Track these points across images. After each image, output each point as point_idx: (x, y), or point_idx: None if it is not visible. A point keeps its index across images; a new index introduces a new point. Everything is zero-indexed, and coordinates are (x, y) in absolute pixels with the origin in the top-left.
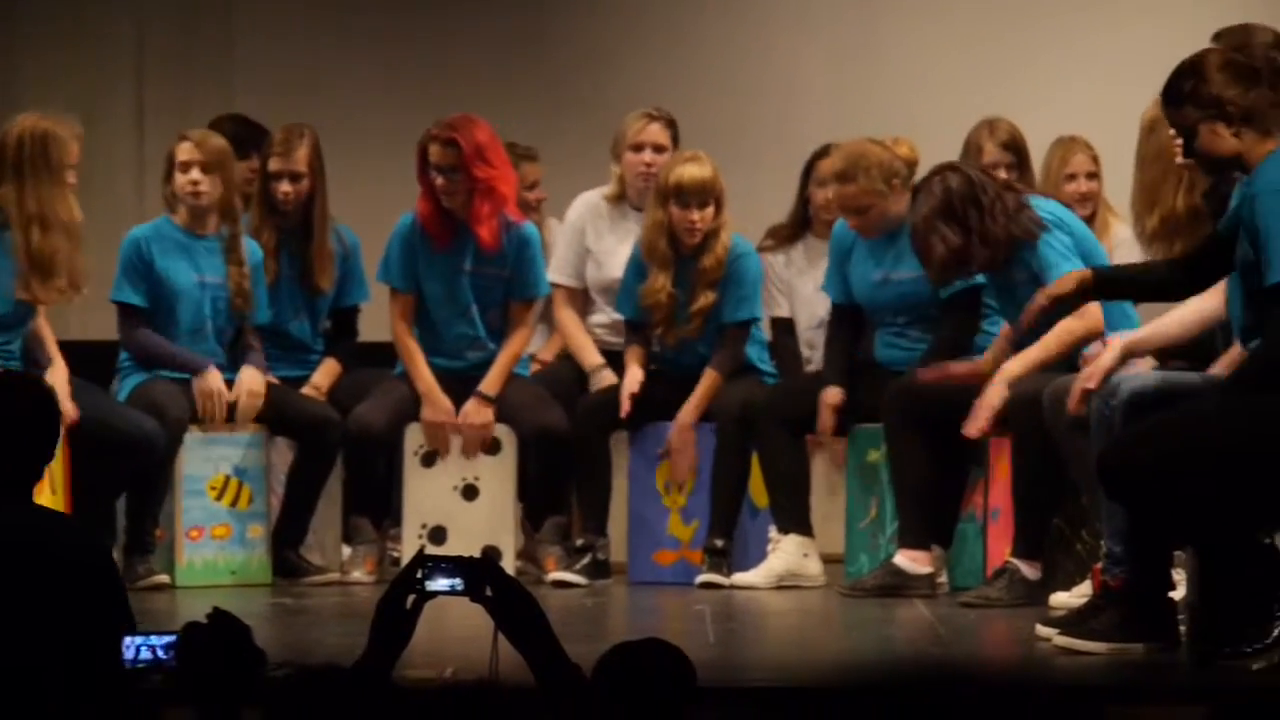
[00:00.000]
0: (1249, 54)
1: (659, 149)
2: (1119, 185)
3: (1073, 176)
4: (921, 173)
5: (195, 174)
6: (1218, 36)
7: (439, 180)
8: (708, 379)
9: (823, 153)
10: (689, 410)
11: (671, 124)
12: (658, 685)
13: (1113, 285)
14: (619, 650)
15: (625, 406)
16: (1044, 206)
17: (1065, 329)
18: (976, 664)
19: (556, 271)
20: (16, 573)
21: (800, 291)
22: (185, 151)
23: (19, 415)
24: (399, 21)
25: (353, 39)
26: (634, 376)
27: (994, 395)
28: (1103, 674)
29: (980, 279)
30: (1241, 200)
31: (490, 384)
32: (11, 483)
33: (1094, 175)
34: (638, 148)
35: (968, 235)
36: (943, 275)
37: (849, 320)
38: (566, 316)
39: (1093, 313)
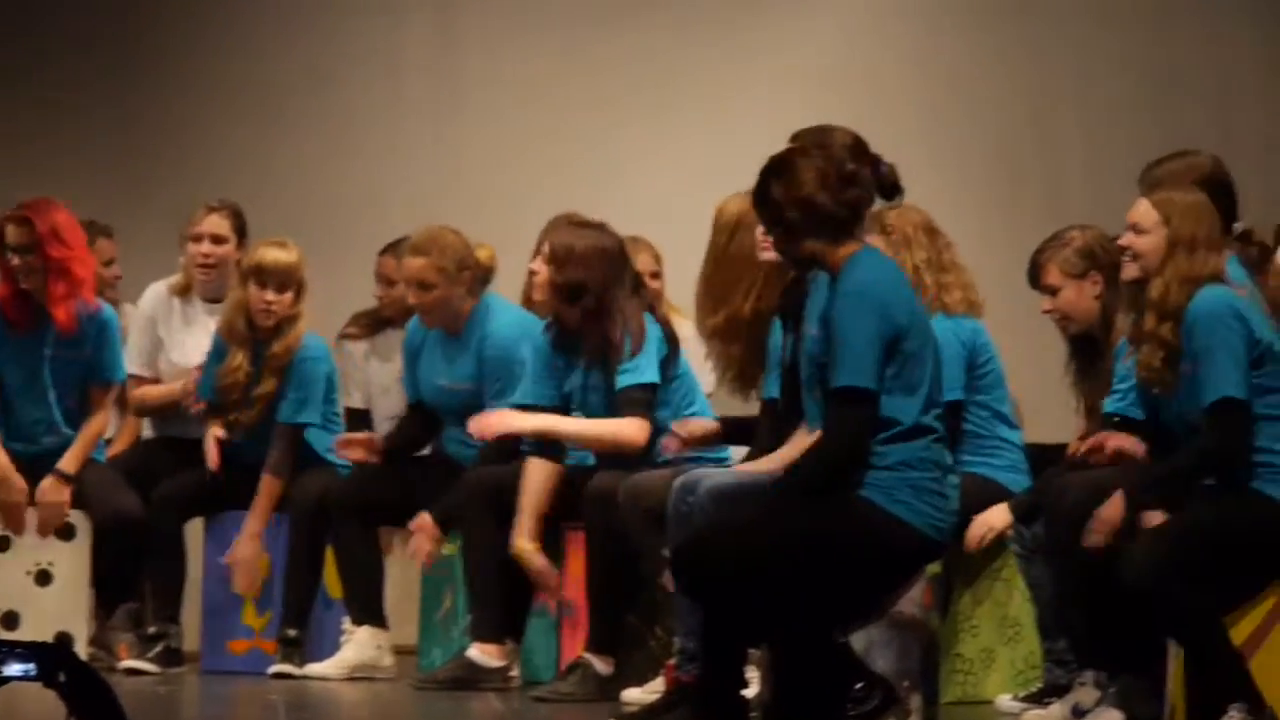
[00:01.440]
0: (829, 155)
1: (217, 240)
2: (682, 281)
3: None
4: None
5: None
6: (796, 136)
7: (15, 260)
8: (266, 486)
9: (386, 249)
10: (253, 521)
11: (235, 215)
12: None
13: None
14: None
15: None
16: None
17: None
18: None
19: (130, 362)
20: None
21: (378, 381)
22: None
23: None
24: None
25: None
26: (211, 451)
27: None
28: None
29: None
30: (822, 300)
31: (69, 463)
32: None
33: (657, 275)
34: (197, 239)
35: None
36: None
37: (421, 417)
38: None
39: (631, 434)
